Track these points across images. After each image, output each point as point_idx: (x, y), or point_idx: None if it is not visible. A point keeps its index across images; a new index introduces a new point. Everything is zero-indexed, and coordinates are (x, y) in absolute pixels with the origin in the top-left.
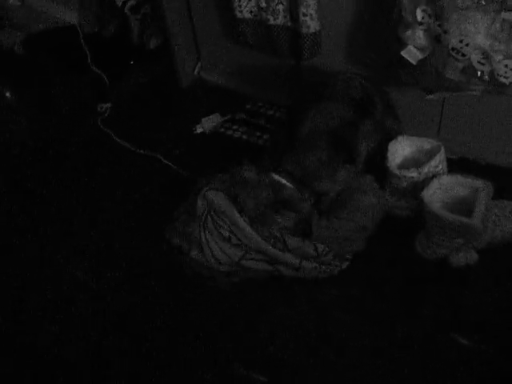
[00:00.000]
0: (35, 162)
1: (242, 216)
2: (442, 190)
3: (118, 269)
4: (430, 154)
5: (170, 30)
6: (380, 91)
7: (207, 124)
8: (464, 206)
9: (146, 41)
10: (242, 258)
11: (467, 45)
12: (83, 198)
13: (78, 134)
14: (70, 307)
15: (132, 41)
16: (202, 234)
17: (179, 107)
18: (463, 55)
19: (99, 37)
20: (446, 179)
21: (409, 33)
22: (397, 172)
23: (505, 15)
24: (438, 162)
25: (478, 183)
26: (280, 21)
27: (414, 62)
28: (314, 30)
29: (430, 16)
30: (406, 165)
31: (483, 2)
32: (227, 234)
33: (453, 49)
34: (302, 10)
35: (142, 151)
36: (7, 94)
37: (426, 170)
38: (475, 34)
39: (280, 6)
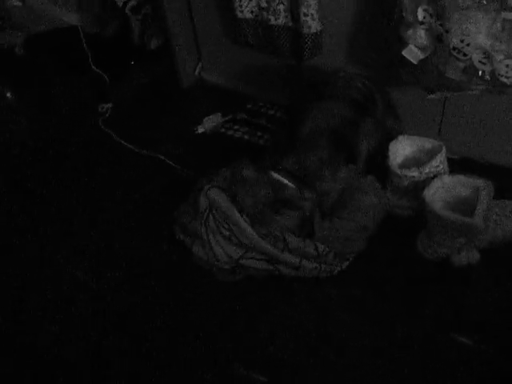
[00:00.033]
0: (35, 161)
1: (242, 216)
2: (444, 189)
3: (118, 269)
4: (431, 154)
5: (170, 31)
6: (381, 91)
7: (208, 124)
8: (465, 206)
9: (146, 41)
10: (242, 256)
11: (468, 44)
12: (83, 198)
13: (79, 134)
14: (70, 307)
15: (133, 41)
16: (204, 231)
17: (180, 107)
18: (464, 55)
19: (100, 37)
20: (447, 179)
21: (410, 32)
22: (398, 171)
23: (506, 15)
24: (439, 162)
25: (479, 183)
26: (281, 21)
27: (415, 62)
28: (315, 30)
29: (431, 15)
30: (407, 164)
31: (484, 2)
32: (227, 233)
33: (454, 48)
34: (303, 10)
35: (142, 151)
36: (8, 95)
37: (427, 169)
38: (476, 33)
39: (281, 6)
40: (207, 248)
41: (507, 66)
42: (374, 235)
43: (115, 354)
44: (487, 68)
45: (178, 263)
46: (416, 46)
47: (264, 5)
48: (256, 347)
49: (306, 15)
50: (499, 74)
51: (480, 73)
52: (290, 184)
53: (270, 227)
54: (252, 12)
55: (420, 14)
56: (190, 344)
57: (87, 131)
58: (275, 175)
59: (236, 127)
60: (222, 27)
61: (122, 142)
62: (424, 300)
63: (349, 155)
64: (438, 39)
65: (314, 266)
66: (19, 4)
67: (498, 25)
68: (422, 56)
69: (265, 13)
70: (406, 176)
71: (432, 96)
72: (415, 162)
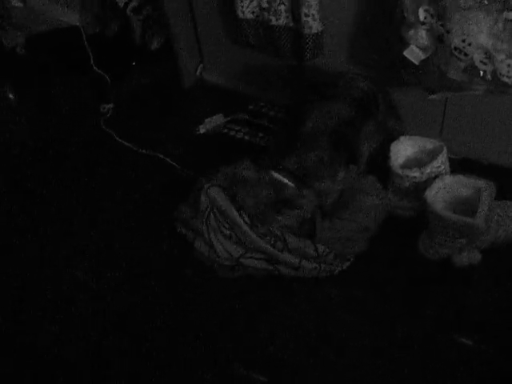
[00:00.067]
0: (35, 161)
1: (241, 215)
2: (445, 190)
3: (118, 269)
4: (433, 154)
5: (171, 31)
6: (382, 91)
7: (210, 124)
8: (467, 206)
9: (148, 42)
10: (242, 255)
11: (470, 44)
12: (83, 198)
13: (79, 135)
14: (70, 307)
15: (134, 42)
16: (205, 230)
17: (181, 108)
18: (466, 55)
19: (101, 38)
20: (449, 179)
21: (411, 32)
22: (399, 172)
23: (507, 15)
24: (441, 162)
25: (481, 183)
26: (282, 21)
27: (416, 62)
28: (316, 31)
29: (432, 16)
30: (408, 165)
31: (486, 2)
32: (228, 231)
33: (455, 48)
34: (304, 10)
35: (144, 151)
36: (10, 96)
37: (428, 170)
38: (478, 33)
39: (282, 7)
40: (208, 245)
41: (509, 65)
42: (375, 236)
43: (115, 354)
44: (488, 68)
45: (178, 263)
46: (417, 47)
47: (265, 5)
48: (256, 347)
49: (307, 16)
50: (501, 74)
51: (481, 73)
52: (289, 183)
53: (270, 226)
54: (253, 12)
55: (421, 15)
56: (190, 344)
57: (88, 131)
58: (275, 175)
59: (237, 128)
60: (223, 28)
61: (123, 142)
62: (425, 300)
63: (350, 156)
64: (439, 39)
65: (313, 266)
66: (20, 5)
67: (500, 25)
68: (423, 56)
69: (266, 13)
70: (407, 176)
71: (433, 96)
72: (417, 162)
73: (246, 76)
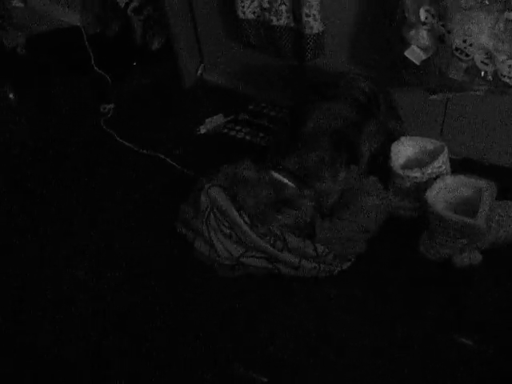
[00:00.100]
0: (35, 161)
1: (241, 215)
2: (446, 190)
3: (118, 269)
4: (434, 155)
5: (172, 31)
6: (383, 91)
7: (210, 125)
8: (468, 207)
9: (148, 42)
10: (242, 254)
11: (471, 45)
12: (83, 198)
13: (79, 135)
14: (70, 307)
15: (135, 42)
16: (205, 229)
17: (182, 108)
18: (467, 55)
19: (102, 38)
20: (450, 180)
21: (412, 33)
22: (400, 172)
23: (508, 15)
24: (442, 163)
25: (482, 184)
26: (283, 21)
27: (417, 63)
28: (317, 31)
29: (433, 16)
30: (409, 165)
31: (487, 2)
32: (228, 231)
33: (456, 49)
34: (305, 10)
35: (144, 151)
36: (10, 95)
37: (429, 170)
38: (479, 34)
39: (283, 7)
40: (209, 245)
41: (510, 66)
42: (376, 236)
43: (115, 354)
44: (489, 68)
45: (179, 262)
46: (418, 47)
47: (266, 5)
48: (256, 347)
49: (308, 16)
50: (501, 75)
51: (482, 73)
52: (289, 183)
53: (270, 226)
54: (254, 13)
55: (422, 15)
56: (190, 344)
57: (88, 131)
58: (275, 174)
59: (238, 128)
60: (224, 28)
61: (124, 142)
62: (425, 300)
63: (351, 156)
64: (440, 40)
65: (313, 266)
66: (21, 5)
67: (501, 25)
68: (424, 57)
69: (267, 13)
70: (408, 177)
71: (434, 97)
72: (417, 162)
73: (247, 76)
